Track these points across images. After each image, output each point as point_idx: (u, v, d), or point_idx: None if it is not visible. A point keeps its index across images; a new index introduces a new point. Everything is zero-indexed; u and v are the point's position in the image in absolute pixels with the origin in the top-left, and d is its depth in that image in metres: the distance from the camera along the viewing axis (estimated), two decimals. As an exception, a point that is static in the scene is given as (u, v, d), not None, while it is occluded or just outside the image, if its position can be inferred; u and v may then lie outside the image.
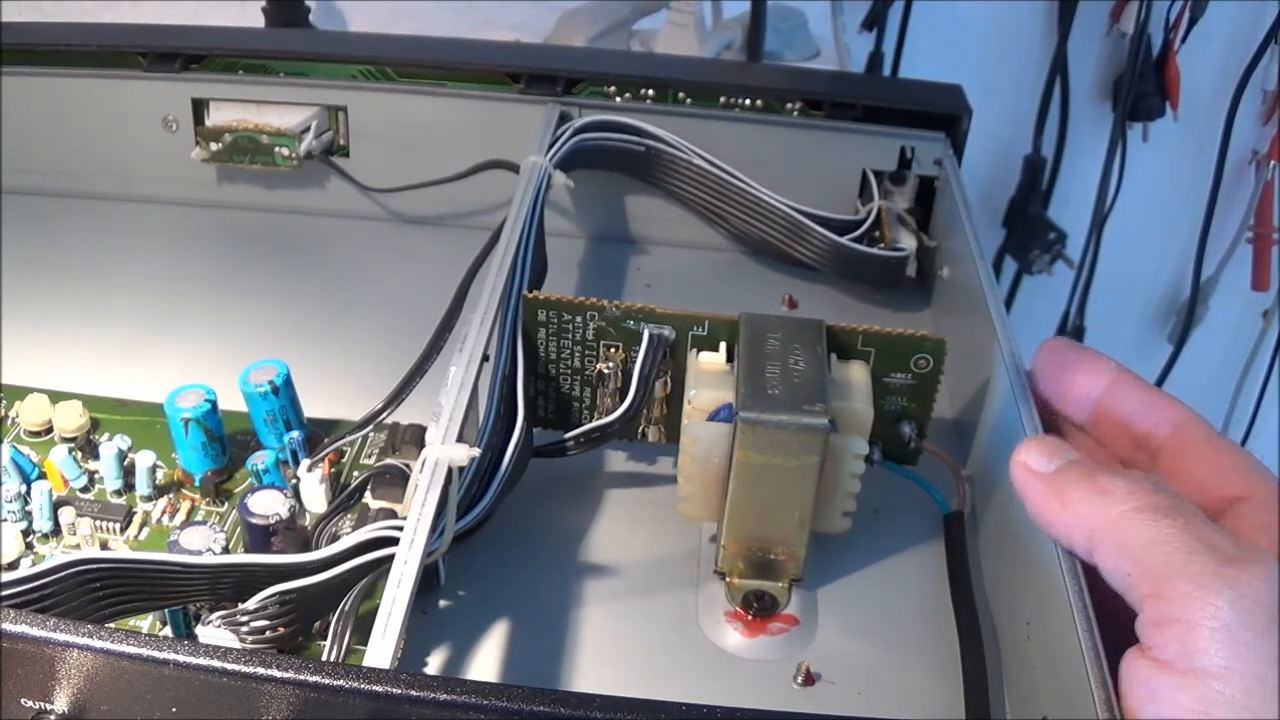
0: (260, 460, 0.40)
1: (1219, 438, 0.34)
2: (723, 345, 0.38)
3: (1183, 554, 0.27)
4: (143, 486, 0.39)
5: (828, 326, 0.38)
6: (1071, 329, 1.08)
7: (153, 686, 0.27)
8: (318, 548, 0.35)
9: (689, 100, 0.54)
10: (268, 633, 0.32)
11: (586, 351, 0.40)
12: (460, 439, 0.34)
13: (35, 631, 0.27)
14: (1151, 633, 0.27)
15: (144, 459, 0.39)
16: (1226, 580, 0.26)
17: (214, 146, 0.54)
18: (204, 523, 0.37)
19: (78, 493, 0.39)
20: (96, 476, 0.40)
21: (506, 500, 0.37)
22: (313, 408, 0.42)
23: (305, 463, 0.39)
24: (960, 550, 0.38)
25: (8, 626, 0.27)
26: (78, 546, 0.38)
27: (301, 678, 0.26)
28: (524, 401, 0.38)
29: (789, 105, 0.54)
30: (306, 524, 0.38)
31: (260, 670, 0.26)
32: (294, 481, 0.39)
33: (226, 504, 0.39)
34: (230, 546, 0.36)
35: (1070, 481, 0.31)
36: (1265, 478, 0.32)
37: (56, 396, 0.42)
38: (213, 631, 0.32)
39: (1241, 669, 0.25)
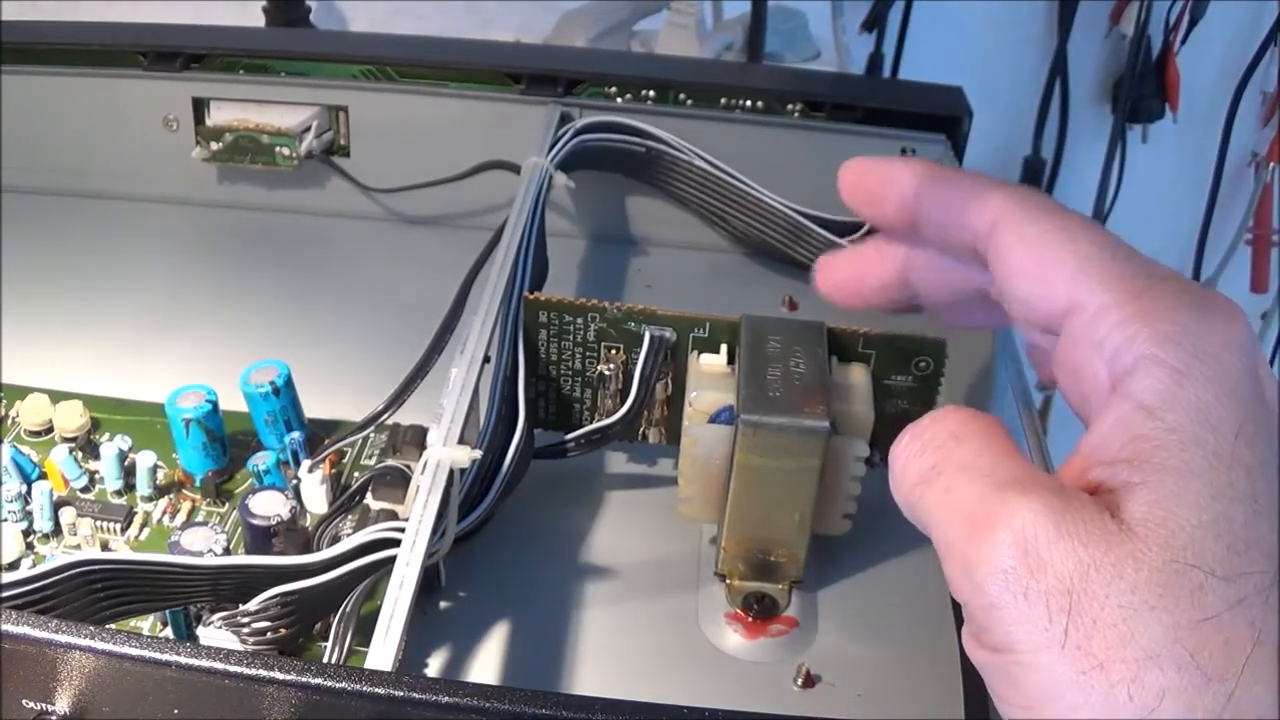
0: (261, 461, 0.40)
1: (1038, 232, 0.26)
2: (724, 347, 0.38)
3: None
4: (143, 487, 0.39)
5: (829, 328, 0.38)
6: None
7: (154, 688, 0.27)
8: (319, 549, 0.35)
9: (690, 101, 0.54)
10: (269, 634, 0.32)
11: (587, 353, 0.40)
12: (461, 440, 0.34)
13: (36, 633, 0.27)
14: None
15: (145, 459, 0.39)
16: None
17: (214, 146, 0.54)
18: (205, 523, 0.37)
19: (78, 493, 0.39)
20: (97, 477, 0.40)
21: (507, 501, 0.37)
22: (314, 408, 0.42)
23: (306, 464, 0.39)
24: (960, 553, 0.39)
25: (9, 628, 0.27)
26: (78, 547, 0.38)
27: (303, 680, 0.26)
28: (525, 403, 0.38)
29: (790, 106, 0.54)
30: (307, 525, 0.38)
31: (262, 672, 0.26)
32: (295, 482, 0.39)
33: (227, 505, 0.39)
34: (231, 547, 0.36)
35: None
36: (1096, 281, 0.25)
37: (57, 396, 0.42)
38: (214, 633, 0.32)
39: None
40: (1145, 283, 0.24)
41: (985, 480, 0.24)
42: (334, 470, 0.40)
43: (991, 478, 0.24)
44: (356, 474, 0.41)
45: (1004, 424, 0.26)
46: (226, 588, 0.33)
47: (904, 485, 0.26)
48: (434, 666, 0.34)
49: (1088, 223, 0.27)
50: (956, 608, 0.37)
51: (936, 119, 0.53)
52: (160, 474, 0.40)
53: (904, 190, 0.31)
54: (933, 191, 0.30)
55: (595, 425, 0.39)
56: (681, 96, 0.54)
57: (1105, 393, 0.24)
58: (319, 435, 0.42)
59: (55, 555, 0.37)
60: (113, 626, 0.32)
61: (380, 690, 0.26)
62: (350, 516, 0.38)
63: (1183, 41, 0.97)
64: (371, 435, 0.41)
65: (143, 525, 0.39)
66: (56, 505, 0.38)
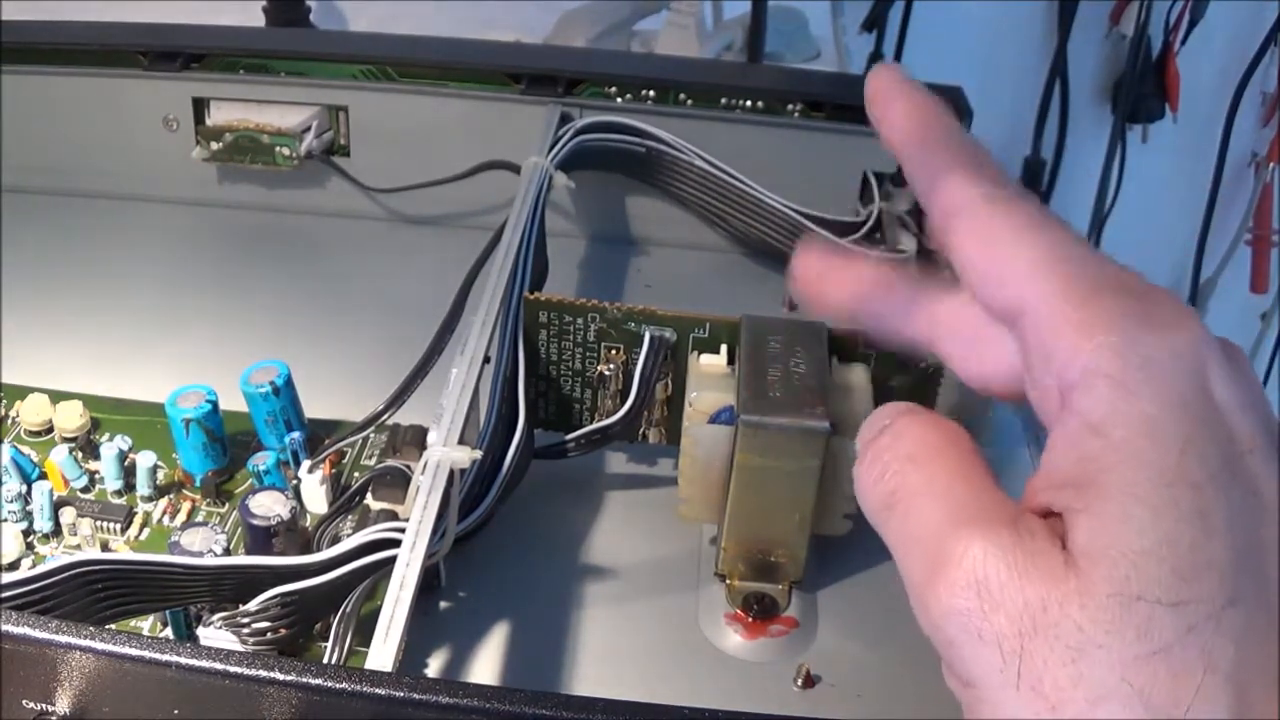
0: (261, 461, 0.40)
1: (996, 226, 0.25)
2: (724, 347, 0.38)
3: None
4: (143, 487, 0.39)
5: (829, 329, 0.38)
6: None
7: (154, 688, 0.27)
8: (319, 549, 0.35)
9: (690, 101, 0.54)
10: (269, 634, 0.32)
11: (587, 353, 0.40)
12: (461, 441, 0.34)
13: (37, 633, 0.27)
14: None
15: (145, 459, 0.39)
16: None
17: (214, 146, 0.54)
18: (205, 524, 0.37)
19: (78, 493, 0.39)
20: (97, 477, 0.40)
21: (507, 502, 0.37)
22: (314, 408, 0.42)
23: (306, 464, 0.39)
24: (960, 553, 0.39)
25: (9, 628, 0.27)
26: (78, 547, 0.38)
27: (304, 680, 0.26)
28: (525, 403, 0.38)
29: (790, 106, 0.54)
30: (307, 525, 0.38)
31: (262, 673, 0.26)
32: (295, 482, 0.39)
33: (227, 505, 0.39)
34: (231, 548, 0.36)
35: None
36: (1045, 285, 0.24)
37: (57, 396, 0.42)
38: (214, 633, 0.32)
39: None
40: (1093, 289, 0.23)
41: (941, 512, 0.23)
42: (334, 470, 0.40)
43: (947, 509, 0.23)
44: (356, 474, 0.41)
45: (964, 433, 0.25)
46: (226, 588, 0.33)
47: (867, 509, 0.26)
48: (434, 666, 0.35)
49: (1050, 221, 0.25)
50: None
51: (936, 119, 0.53)
52: (160, 474, 0.40)
53: (897, 131, 0.29)
54: (918, 154, 0.29)
55: (595, 425, 0.39)
56: (681, 96, 0.54)
57: (1056, 406, 0.23)
58: (319, 435, 0.42)
59: (55, 555, 0.37)
60: (113, 626, 0.32)
61: (380, 691, 0.26)
62: (350, 516, 0.38)
63: (1183, 41, 0.97)
64: (371, 435, 0.41)
65: (143, 525, 0.39)
66: (56, 505, 0.38)
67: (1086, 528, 0.22)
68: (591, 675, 0.35)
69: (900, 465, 0.25)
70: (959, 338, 0.27)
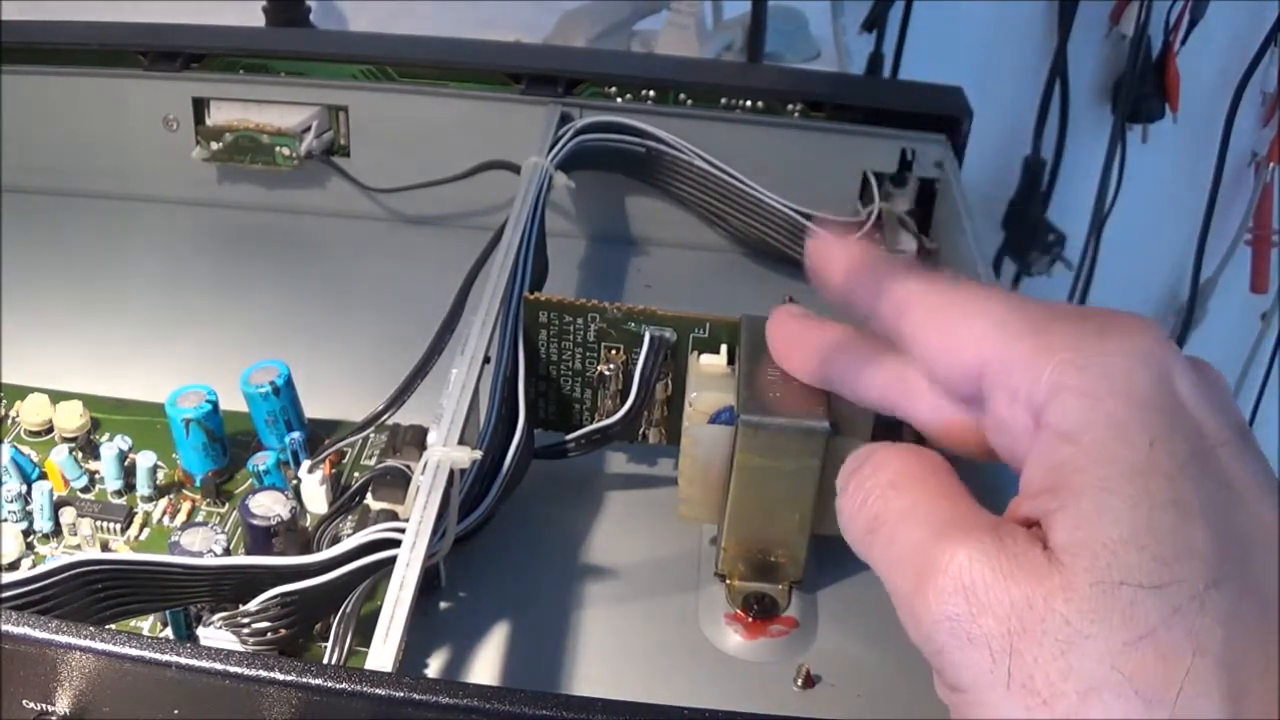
0: (261, 461, 0.40)
1: (938, 307, 0.27)
2: (724, 347, 0.38)
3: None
4: (143, 487, 0.39)
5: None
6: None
7: (154, 688, 0.27)
8: (319, 549, 0.35)
9: (690, 101, 0.54)
10: (269, 635, 0.32)
11: (587, 353, 0.40)
12: (461, 441, 0.34)
13: (37, 633, 0.27)
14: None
15: (145, 459, 0.39)
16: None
17: (214, 146, 0.54)
18: (205, 524, 0.37)
19: (78, 493, 0.39)
20: (97, 477, 0.40)
21: (507, 502, 0.37)
22: (314, 408, 0.42)
23: (306, 464, 0.39)
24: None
25: (9, 628, 0.27)
26: (78, 547, 0.38)
27: (304, 680, 0.26)
28: (525, 403, 0.38)
29: (789, 106, 0.54)
30: (307, 525, 0.38)
31: (262, 673, 0.26)
32: (295, 482, 0.39)
33: (227, 505, 0.39)
34: (231, 548, 0.36)
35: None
36: (998, 335, 0.25)
37: (56, 396, 0.42)
38: (214, 633, 0.32)
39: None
40: (1046, 321, 0.24)
41: (924, 531, 0.24)
42: (334, 470, 0.40)
43: (929, 524, 0.24)
44: (356, 474, 0.41)
45: (943, 459, 0.26)
46: (226, 588, 0.33)
47: (851, 536, 0.27)
48: (433, 667, 0.35)
49: (989, 287, 0.27)
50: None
51: (936, 119, 0.53)
52: (160, 474, 0.40)
53: (837, 278, 0.31)
54: (860, 283, 0.30)
55: (595, 425, 0.39)
56: (681, 96, 0.54)
57: (1027, 447, 0.24)
58: (319, 435, 0.42)
59: (55, 555, 0.37)
60: (113, 626, 0.32)
61: (380, 691, 0.26)
62: (350, 517, 0.38)
63: (1183, 41, 0.97)
64: (371, 435, 0.41)
65: (143, 525, 0.39)
66: (56, 505, 0.38)
67: (1064, 525, 0.22)
68: (591, 675, 0.35)
69: (882, 491, 0.26)
70: (922, 401, 0.28)
